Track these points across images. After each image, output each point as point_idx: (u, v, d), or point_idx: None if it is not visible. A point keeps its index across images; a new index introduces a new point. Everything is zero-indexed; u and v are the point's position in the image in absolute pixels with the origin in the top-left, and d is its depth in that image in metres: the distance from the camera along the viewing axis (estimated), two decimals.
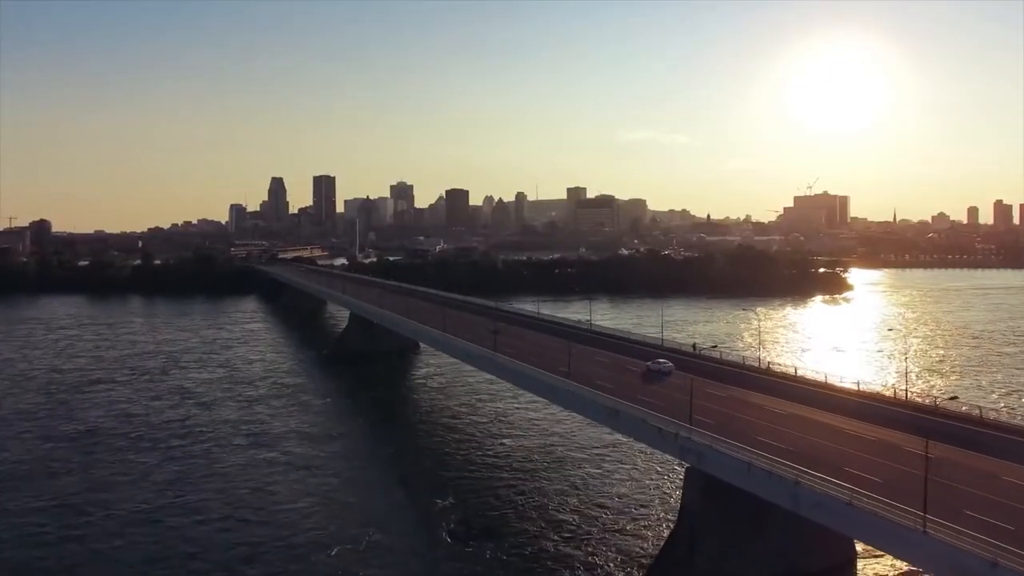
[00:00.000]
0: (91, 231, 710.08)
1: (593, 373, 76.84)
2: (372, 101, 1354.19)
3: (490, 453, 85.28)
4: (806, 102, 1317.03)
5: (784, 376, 75.52)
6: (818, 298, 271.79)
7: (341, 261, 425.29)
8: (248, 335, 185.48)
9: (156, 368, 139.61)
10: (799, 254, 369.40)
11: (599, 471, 77.84)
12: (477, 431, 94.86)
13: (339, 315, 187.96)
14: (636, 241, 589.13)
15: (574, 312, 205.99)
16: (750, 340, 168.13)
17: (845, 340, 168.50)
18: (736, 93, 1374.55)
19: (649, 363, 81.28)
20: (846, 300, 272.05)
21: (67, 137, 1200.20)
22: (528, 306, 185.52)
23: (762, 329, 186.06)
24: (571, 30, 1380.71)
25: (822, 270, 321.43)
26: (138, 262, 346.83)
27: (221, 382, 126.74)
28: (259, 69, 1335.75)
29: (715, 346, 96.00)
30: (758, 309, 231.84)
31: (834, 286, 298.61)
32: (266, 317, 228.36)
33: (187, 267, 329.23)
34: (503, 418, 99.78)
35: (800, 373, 75.99)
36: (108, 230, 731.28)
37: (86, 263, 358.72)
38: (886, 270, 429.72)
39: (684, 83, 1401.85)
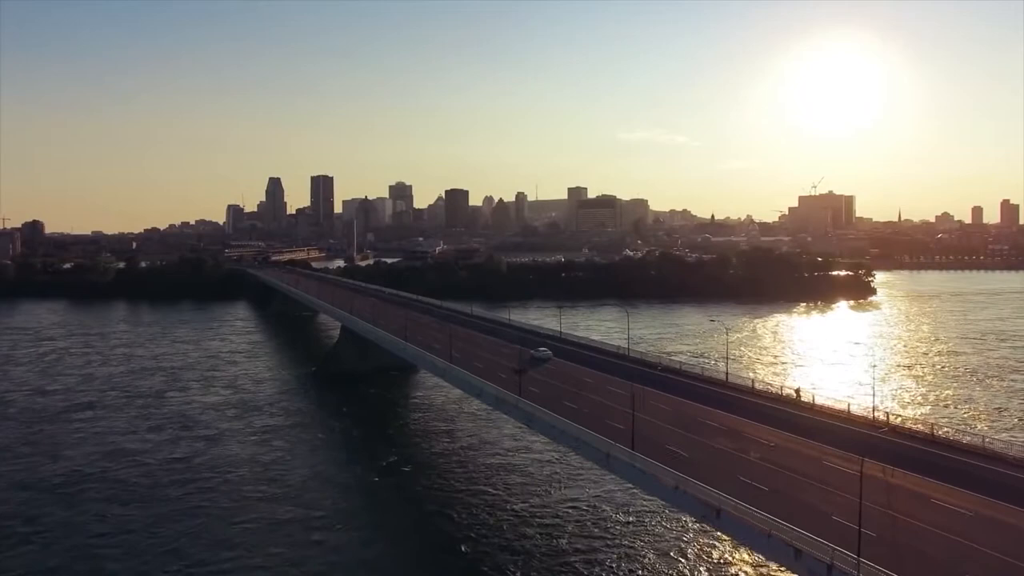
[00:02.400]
0: (88, 232, 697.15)
1: (665, 433, 58.64)
2: (371, 101, 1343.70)
3: (553, 504, 71.20)
4: (806, 102, 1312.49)
5: (914, 435, 57.37)
6: (842, 303, 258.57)
7: (338, 263, 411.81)
8: (243, 348, 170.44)
9: (151, 390, 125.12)
10: (817, 256, 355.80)
11: (696, 529, 64.36)
12: (533, 476, 79.83)
13: (336, 322, 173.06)
14: (640, 242, 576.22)
15: (595, 322, 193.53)
16: (803, 358, 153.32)
17: (916, 356, 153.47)
18: (736, 93, 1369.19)
19: (532, 351, 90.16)
20: (875, 306, 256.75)
21: (65, 137, 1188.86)
22: (536, 312, 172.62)
23: (810, 343, 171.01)
24: (571, 31, 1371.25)
25: (843, 273, 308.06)
26: (122, 265, 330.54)
27: (223, 407, 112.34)
28: (257, 69, 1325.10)
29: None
30: (791, 317, 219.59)
31: (856, 290, 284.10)
32: (259, 326, 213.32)
33: (174, 270, 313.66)
34: (562, 457, 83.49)
35: (938, 432, 56.69)
36: (106, 231, 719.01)
37: (69, 266, 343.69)
38: (898, 272, 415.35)
39: (684, 83, 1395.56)
